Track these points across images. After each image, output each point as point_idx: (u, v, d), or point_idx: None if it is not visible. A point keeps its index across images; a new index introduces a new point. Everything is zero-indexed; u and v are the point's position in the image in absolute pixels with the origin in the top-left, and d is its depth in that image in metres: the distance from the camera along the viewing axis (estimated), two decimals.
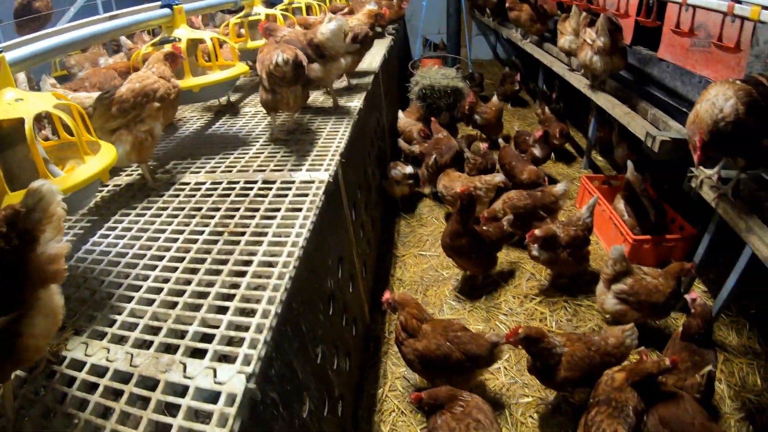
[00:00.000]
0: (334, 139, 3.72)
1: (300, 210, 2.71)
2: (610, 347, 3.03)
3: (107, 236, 2.66)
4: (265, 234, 2.52)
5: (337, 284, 3.03)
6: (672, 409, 2.69)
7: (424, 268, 4.87)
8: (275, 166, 3.32)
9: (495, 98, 7.26)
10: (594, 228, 4.92)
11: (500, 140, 6.14)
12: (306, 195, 2.88)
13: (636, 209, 4.74)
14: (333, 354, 2.82)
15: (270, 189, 3.00)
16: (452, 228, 4.15)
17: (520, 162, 5.59)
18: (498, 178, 5.15)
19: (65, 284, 1.66)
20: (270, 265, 2.27)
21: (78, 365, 1.84)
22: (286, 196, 2.90)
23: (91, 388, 1.75)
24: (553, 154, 6.67)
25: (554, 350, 2.97)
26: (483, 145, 6.06)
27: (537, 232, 4.01)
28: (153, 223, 2.75)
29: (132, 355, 1.85)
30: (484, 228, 4.30)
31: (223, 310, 2.05)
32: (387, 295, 3.18)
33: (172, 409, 1.67)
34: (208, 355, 1.81)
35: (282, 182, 3.07)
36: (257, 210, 2.77)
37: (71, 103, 2.51)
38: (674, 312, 4.01)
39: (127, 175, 3.38)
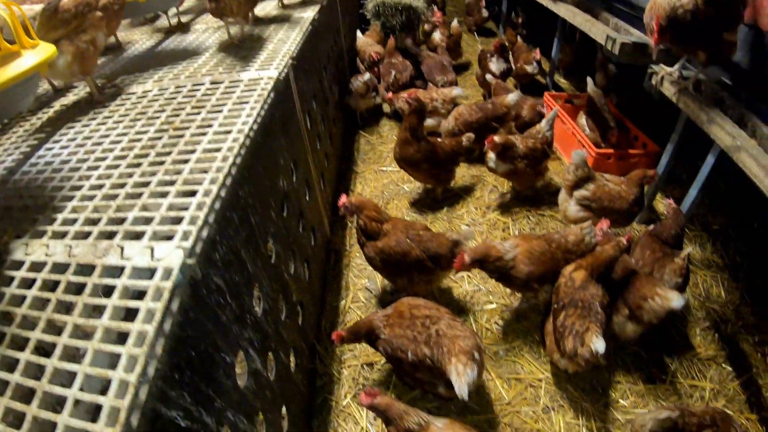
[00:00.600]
0: (285, 43, 3.55)
1: (247, 103, 2.59)
2: (570, 244, 3.04)
3: (51, 148, 2.54)
4: (211, 126, 2.40)
5: (292, 186, 2.96)
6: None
7: (384, 183, 4.83)
8: (224, 69, 3.17)
9: (455, 22, 7.19)
10: (558, 145, 4.93)
11: (488, 76, 5.94)
12: (254, 90, 2.75)
13: (598, 124, 4.71)
14: (289, 257, 2.79)
15: (217, 89, 2.86)
16: (402, 136, 4.10)
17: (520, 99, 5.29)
18: (455, 91, 5.07)
19: (7, 196, 1.56)
20: (214, 151, 2.17)
21: (17, 265, 1.75)
22: (233, 92, 2.77)
23: (31, 284, 1.67)
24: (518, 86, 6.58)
25: (504, 257, 2.95)
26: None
27: (496, 138, 3.97)
28: (98, 130, 2.63)
29: (71, 246, 1.77)
30: (438, 140, 4.24)
31: (164, 195, 1.96)
32: (343, 199, 3.10)
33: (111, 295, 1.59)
34: (147, 236, 1.73)
35: (230, 82, 2.93)
36: (203, 107, 2.64)
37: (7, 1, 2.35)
38: (638, 224, 4.06)
39: (74, 95, 3.21)
